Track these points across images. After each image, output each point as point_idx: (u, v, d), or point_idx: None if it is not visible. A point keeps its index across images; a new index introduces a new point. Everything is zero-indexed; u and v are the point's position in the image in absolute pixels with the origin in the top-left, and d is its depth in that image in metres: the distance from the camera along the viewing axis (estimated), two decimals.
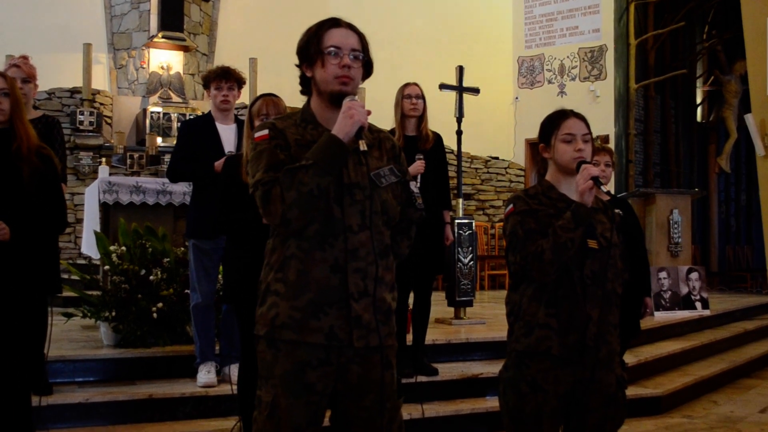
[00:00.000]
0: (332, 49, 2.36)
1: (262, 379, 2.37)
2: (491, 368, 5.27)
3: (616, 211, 2.92)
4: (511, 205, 2.83)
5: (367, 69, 2.46)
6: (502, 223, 12.25)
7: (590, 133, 2.85)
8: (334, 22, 2.43)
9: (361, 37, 2.44)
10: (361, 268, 2.32)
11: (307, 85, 2.47)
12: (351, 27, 2.44)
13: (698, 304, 8.55)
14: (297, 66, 2.47)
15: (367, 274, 2.33)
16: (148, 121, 10.76)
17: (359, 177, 2.35)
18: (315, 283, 2.29)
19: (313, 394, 2.30)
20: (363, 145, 2.30)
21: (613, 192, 3.03)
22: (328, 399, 2.36)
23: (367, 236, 2.33)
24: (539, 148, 2.93)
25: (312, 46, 2.39)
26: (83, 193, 8.02)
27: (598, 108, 12.42)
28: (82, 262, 8.66)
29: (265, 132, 2.36)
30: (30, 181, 3.27)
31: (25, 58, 4.64)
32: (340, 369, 2.34)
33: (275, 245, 2.38)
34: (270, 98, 3.80)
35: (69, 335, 5.64)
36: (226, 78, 4.77)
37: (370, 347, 2.34)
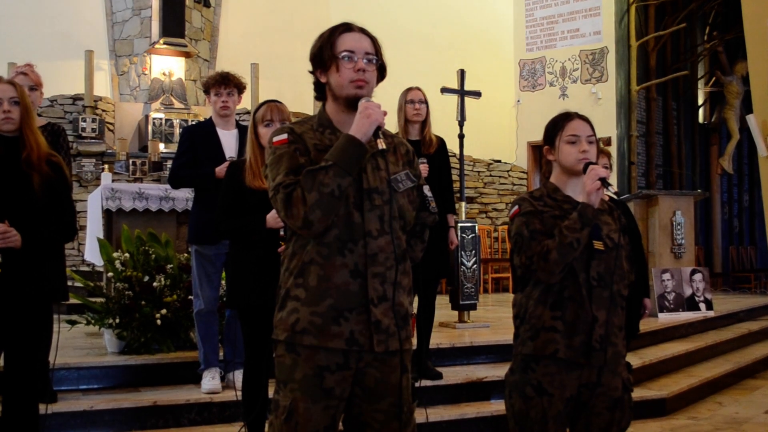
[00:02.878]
0: (346, 53, 2.38)
1: (280, 383, 2.38)
2: (496, 372, 5.27)
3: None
4: (516, 207, 2.84)
5: (381, 72, 2.48)
6: (505, 226, 12.33)
7: (594, 134, 2.86)
8: (347, 27, 2.44)
9: (374, 41, 2.45)
10: (380, 273, 2.34)
11: (321, 90, 2.48)
12: (363, 31, 2.46)
13: (702, 306, 8.53)
14: (310, 72, 2.48)
15: (385, 279, 2.35)
16: (150, 128, 10.76)
17: (378, 182, 2.37)
18: (335, 289, 2.30)
19: (331, 398, 2.32)
20: (381, 144, 2.32)
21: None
22: (345, 403, 2.38)
23: (386, 241, 2.35)
24: (544, 150, 2.94)
25: (326, 52, 2.41)
26: (86, 200, 8.02)
27: (600, 110, 12.42)
28: (86, 269, 8.65)
29: (284, 136, 2.37)
30: (40, 189, 3.28)
31: (30, 65, 4.65)
32: (358, 373, 2.36)
33: (294, 250, 2.38)
34: (274, 104, 3.80)
35: (73, 342, 5.63)
36: (225, 84, 4.77)
37: (390, 351, 2.36)
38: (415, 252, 2.58)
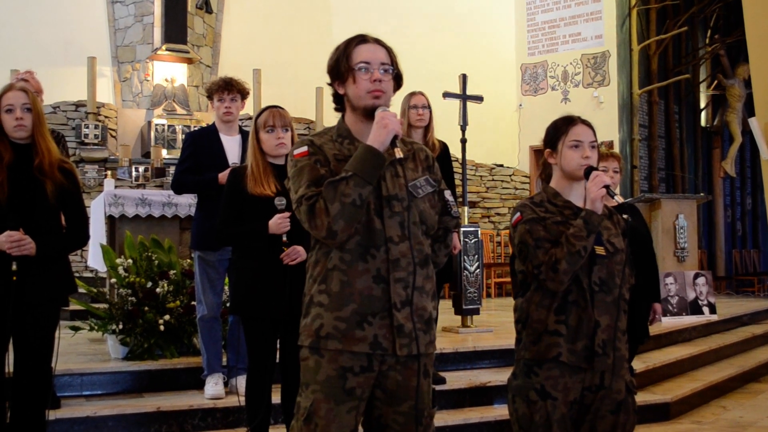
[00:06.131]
0: (362, 64, 2.43)
1: (303, 385, 2.42)
2: (499, 376, 5.26)
3: (625, 216, 2.93)
4: (518, 214, 2.84)
5: (398, 81, 2.53)
6: (507, 231, 12.29)
7: (596, 140, 2.86)
8: (362, 39, 2.49)
9: (389, 51, 2.51)
10: (402, 278, 2.38)
11: (340, 102, 2.53)
12: (378, 42, 2.51)
13: (706, 309, 8.52)
14: (329, 84, 2.53)
15: (408, 284, 2.39)
16: (152, 134, 10.77)
17: (397, 189, 2.42)
18: (358, 294, 2.35)
19: (352, 399, 2.36)
20: (399, 153, 2.37)
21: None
22: (365, 404, 2.41)
23: (407, 246, 2.39)
24: (545, 153, 2.93)
25: (342, 64, 2.45)
26: (89, 206, 8.02)
27: (602, 114, 12.42)
28: (89, 275, 8.66)
29: (305, 149, 2.42)
30: (53, 196, 3.30)
31: (31, 72, 4.66)
32: (380, 376, 2.40)
33: (318, 258, 2.44)
34: (275, 110, 3.80)
35: (76, 349, 5.64)
36: (228, 89, 4.77)
37: (412, 355, 2.40)
38: (438, 257, 2.62)
